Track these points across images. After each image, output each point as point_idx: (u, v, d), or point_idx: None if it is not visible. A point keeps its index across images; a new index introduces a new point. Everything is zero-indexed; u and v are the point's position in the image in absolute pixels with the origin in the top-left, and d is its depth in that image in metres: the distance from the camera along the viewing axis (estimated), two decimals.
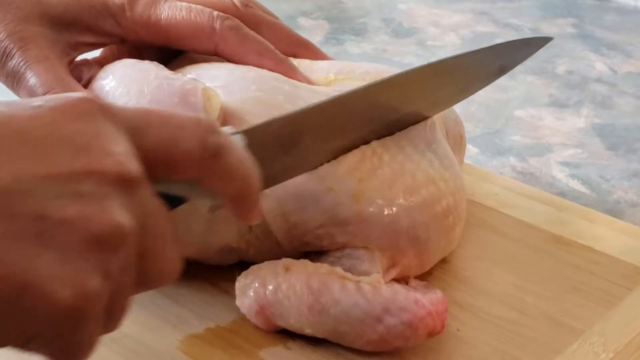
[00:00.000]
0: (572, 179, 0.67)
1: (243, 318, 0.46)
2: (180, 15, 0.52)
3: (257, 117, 0.47)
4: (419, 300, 0.44)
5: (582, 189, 0.66)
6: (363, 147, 0.48)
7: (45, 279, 0.28)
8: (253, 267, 0.46)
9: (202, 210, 0.41)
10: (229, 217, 0.39)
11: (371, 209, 0.46)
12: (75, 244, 0.29)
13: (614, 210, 0.63)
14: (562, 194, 0.64)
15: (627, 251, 0.52)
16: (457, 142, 0.55)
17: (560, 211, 0.56)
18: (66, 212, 0.29)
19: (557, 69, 0.84)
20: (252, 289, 0.45)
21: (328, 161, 0.47)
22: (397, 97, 0.48)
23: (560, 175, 0.68)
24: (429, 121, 0.50)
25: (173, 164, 0.34)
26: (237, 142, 0.38)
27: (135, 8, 0.52)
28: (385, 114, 0.48)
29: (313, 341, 0.46)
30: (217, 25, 0.51)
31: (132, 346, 0.45)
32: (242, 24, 0.52)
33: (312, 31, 0.92)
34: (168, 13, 0.52)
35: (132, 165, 0.31)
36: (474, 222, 0.55)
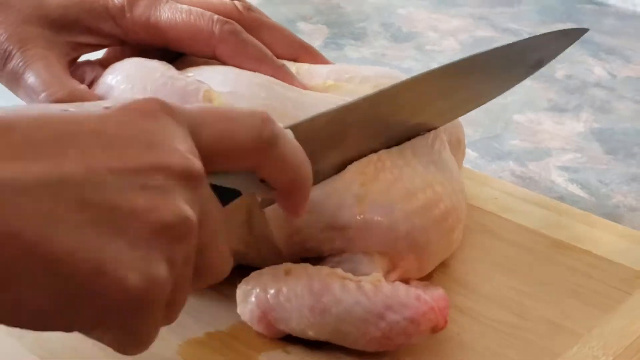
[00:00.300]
0: (571, 183, 0.67)
1: (243, 322, 0.46)
2: (180, 17, 0.52)
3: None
4: (420, 296, 0.44)
5: (581, 193, 0.66)
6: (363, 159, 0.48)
7: (116, 265, 0.30)
8: (254, 274, 0.46)
9: (255, 204, 0.41)
10: (230, 219, 0.39)
11: (371, 213, 0.46)
12: (144, 233, 0.31)
13: (613, 215, 0.63)
14: (561, 198, 0.64)
15: (626, 255, 0.53)
16: (455, 145, 0.55)
17: (559, 215, 0.56)
18: (136, 203, 0.31)
19: (556, 73, 0.85)
20: (253, 295, 0.45)
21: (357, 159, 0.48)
22: (433, 94, 0.49)
23: (559, 179, 0.68)
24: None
25: (230, 155, 0.36)
26: (290, 134, 0.39)
27: (134, 9, 0.52)
28: (416, 114, 0.49)
29: (312, 346, 0.46)
30: (216, 29, 0.52)
31: None
32: (241, 28, 0.52)
33: (311, 35, 0.92)
34: (168, 15, 0.52)
35: (195, 162, 0.33)
36: (474, 226, 0.55)
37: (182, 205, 0.32)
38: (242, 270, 0.48)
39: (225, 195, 0.38)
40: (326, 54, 0.59)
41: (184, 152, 0.33)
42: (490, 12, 0.99)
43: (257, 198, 0.42)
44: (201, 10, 0.52)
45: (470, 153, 0.70)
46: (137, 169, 0.31)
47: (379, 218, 0.46)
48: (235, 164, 0.37)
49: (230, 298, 0.47)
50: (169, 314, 0.34)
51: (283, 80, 0.51)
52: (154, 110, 0.33)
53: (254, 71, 0.52)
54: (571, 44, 0.52)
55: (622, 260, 0.52)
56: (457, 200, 0.49)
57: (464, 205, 0.50)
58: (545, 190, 0.66)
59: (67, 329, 0.31)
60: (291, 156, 0.38)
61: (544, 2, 1.02)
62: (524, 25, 0.95)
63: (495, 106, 0.76)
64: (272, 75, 0.51)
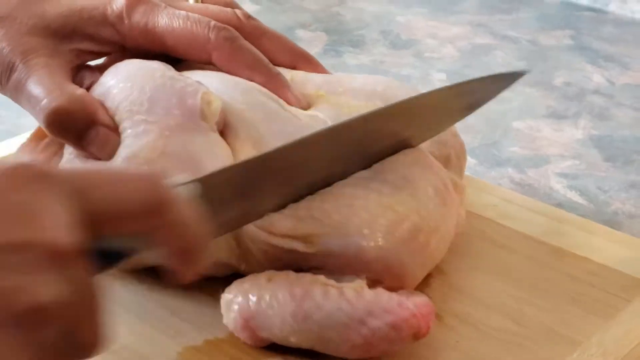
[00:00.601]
0: (570, 190, 0.67)
1: None
2: (177, 23, 0.52)
3: (253, 126, 0.47)
4: (402, 302, 0.44)
5: (580, 200, 0.66)
6: (309, 198, 0.47)
7: None
8: (236, 282, 0.46)
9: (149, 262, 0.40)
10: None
11: (334, 247, 0.46)
12: (5, 318, 0.29)
13: (612, 222, 0.63)
14: (560, 205, 0.64)
15: (625, 262, 0.53)
16: (452, 161, 0.54)
17: (558, 222, 0.56)
18: None
19: (554, 80, 0.85)
20: (236, 303, 0.45)
21: (284, 206, 0.47)
22: (362, 140, 0.48)
23: (558, 186, 0.68)
24: None
25: (118, 220, 0.34)
26: (185, 195, 0.37)
27: (133, 16, 0.53)
28: (349, 155, 0.48)
29: (310, 355, 0.45)
30: (212, 35, 0.52)
31: (131, 359, 0.45)
32: (238, 34, 0.53)
33: (310, 43, 0.93)
34: (165, 21, 0.53)
35: (67, 240, 0.31)
36: (473, 233, 0.55)
37: (52, 287, 0.30)
38: (239, 277, 0.47)
39: (112, 256, 0.36)
40: (325, 61, 0.59)
41: (54, 228, 0.30)
42: (489, 19, 0.99)
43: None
44: (199, 16, 0.53)
45: (469, 160, 0.69)
46: (3, 246, 0.29)
47: (342, 249, 0.46)
48: (126, 228, 0.34)
49: None
50: None
51: (275, 88, 0.51)
52: (27, 179, 0.31)
53: (249, 78, 0.52)
54: (506, 87, 0.51)
55: (621, 267, 0.52)
56: (425, 213, 0.48)
57: (437, 213, 0.48)
58: (544, 197, 0.66)
59: None
60: (183, 222, 0.36)
61: (542, 9, 1.03)
62: (523, 33, 0.96)
63: (494, 113, 0.76)
64: (265, 83, 0.52)
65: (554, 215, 0.57)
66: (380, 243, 0.46)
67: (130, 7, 0.53)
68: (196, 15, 0.53)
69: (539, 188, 0.68)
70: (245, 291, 0.45)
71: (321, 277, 0.45)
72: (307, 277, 0.45)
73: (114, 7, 0.53)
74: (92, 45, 0.54)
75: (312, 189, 0.48)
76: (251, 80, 0.52)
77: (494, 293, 0.50)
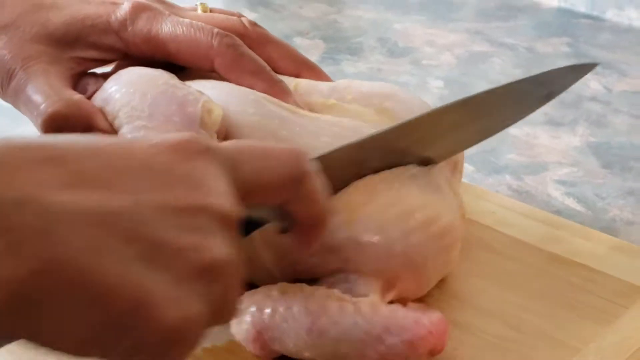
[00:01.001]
0: (568, 197, 0.67)
1: None
2: (181, 30, 0.53)
3: (271, 134, 0.48)
4: (419, 319, 0.44)
5: (577, 207, 0.66)
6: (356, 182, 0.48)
7: (157, 300, 0.31)
8: (248, 293, 0.46)
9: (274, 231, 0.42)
10: None
11: (364, 235, 0.46)
12: (187, 272, 0.32)
13: (610, 229, 0.63)
14: (557, 212, 0.64)
15: (623, 269, 0.53)
16: (452, 168, 0.54)
17: (556, 229, 0.56)
18: (181, 242, 0.32)
19: None
20: (248, 314, 0.45)
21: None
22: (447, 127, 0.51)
23: (556, 193, 0.68)
24: None
25: (265, 191, 0.38)
26: (316, 170, 0.40)
27: (136, 22, 0.53)
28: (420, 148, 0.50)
29: None
30: (215, 41, 0.52)
31: None
32: (240, 42, 0.53)
33: (308, 51, 0.93)
34: (169, 28, 0.53)
35: (233, 205, 0.34)
36: (471, 240, 0.55)
37: (223, 247, 0.33)
38: None
39: (249, 226, 0.39)
40: (323, 68, 0.59)
41: (223, 194, 0.34)
42: (486, 26, 1.00)
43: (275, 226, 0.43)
44: (202, 23, 0.53)
45: (467, 167, 0.70)
46: (183, 209, 0.32)
47: (372, 238, 0.46)
48: (270, 198, 0.38)
49: None
50: None
51: (278, 96, 0.52)
52: (198, 150, 0.34)
53: (251, 85, 0.52)
54: (581, 77, 0.54)
55: (619, 274, 0.52)
56: (454, 219, 0.49)
57: (461, 226, 0.50)
58: (542, 204, 0.66)
59: (104, 356, 0.32)
60: (317, 192, 0.40)
61: (539, 17, 1.03)
62: (520, 40, 0.96)
63: None
64: (268, 90, 0.52)
65: (552, 222, 0.57)
66: (410, 238, 0.46)
67: (134, 14, 0.53)
68: (200, 23, 0.53)
69: (537, 195, 0.68)
70: (259, 303, 0.45)
71: (335, 292, 0.45)
72: (322, 290, 0.45)
73: (118, 15, 0.53)
74: (94, 53, 0.54)
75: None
76: (253, 88, 0.52)
77: (492, 300, 0.50)
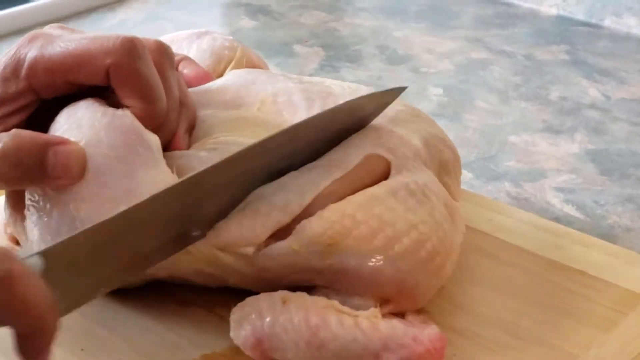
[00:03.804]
0: (567, 204, 0.68)
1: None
2: (73, 45, 0.48)
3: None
4: (417, 336, 0.44)
5: (576, 214, 0.66)
6: (333, 206, 0.46)
7: None
8: (249, 299, 0.46)
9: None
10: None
11: (350, 264, 0.46)
12: None
13: (608, 235, 0.63)
14: (556, 219, 0.65)
15: (621, 276, 0.53)
16: (448, 170, 0.54)
17: (555, 236, 0.56)
18: None
19: (550, 95, 0.85)
20: (248, 321, 0.45)
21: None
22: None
23: (555, 200, 0.68)
24: (406, 164, 0.50)
25: None
26: (34, 268, 0.36)
27: (29, 53, 0.49)
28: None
29: None
30: (111, 43, 0.48)
31: None
32: (144, 51, 0.48)
33: (307, 58, 0.93)
34: (60, 45, 0.48)
35: None
36: (469, 247, 0.55)
37: None
38: (236, 292, 0.48)
39: None
40: (322, 76, 0.59)
41: None
42: (485, 34, 1.00)
43: None
44: (96, 34, 0.49)
45: (465, 174, 0.70)
46: None
47: (359, 267, 0.46)
48: None
49: (226, 319, 0.46)
50: None
51: (151, 118, 0.48)
52: None
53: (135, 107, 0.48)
54: (391, 102, 0.52)
55: (617, 280, 0.52)
56: (442, 234, 0.48)
57: (451, 234, 0.49)
58: (541, 211, 0.66)
59: None
60: (29, 299, 0.34)
61: (538, 24, 1.03)
62: (518, 47, 0.96)
63: (490, 128, 0.77)
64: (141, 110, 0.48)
65: (551, 229, 0.57)
66: (399, 264, 0.46)
67: (25, 47, 0.49)
68: (92, 34, 0.49)
69: (536, 202, 0.68)
70: (260, 311, 0.45)
71: (335, 303, 0.45)
72: (322, 301, 0.45)
73: (8, 57, 0.49)
74: (8, 108, 0.49)
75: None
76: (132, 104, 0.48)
77: (491, 306, 0.51)
